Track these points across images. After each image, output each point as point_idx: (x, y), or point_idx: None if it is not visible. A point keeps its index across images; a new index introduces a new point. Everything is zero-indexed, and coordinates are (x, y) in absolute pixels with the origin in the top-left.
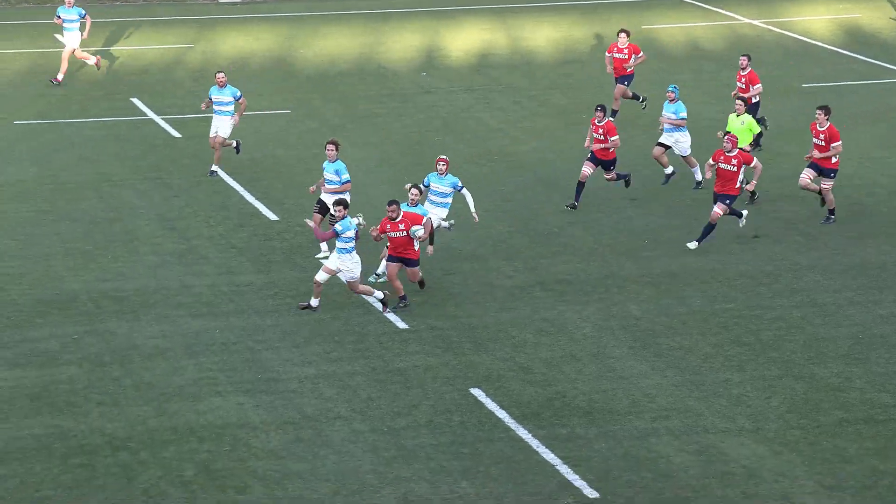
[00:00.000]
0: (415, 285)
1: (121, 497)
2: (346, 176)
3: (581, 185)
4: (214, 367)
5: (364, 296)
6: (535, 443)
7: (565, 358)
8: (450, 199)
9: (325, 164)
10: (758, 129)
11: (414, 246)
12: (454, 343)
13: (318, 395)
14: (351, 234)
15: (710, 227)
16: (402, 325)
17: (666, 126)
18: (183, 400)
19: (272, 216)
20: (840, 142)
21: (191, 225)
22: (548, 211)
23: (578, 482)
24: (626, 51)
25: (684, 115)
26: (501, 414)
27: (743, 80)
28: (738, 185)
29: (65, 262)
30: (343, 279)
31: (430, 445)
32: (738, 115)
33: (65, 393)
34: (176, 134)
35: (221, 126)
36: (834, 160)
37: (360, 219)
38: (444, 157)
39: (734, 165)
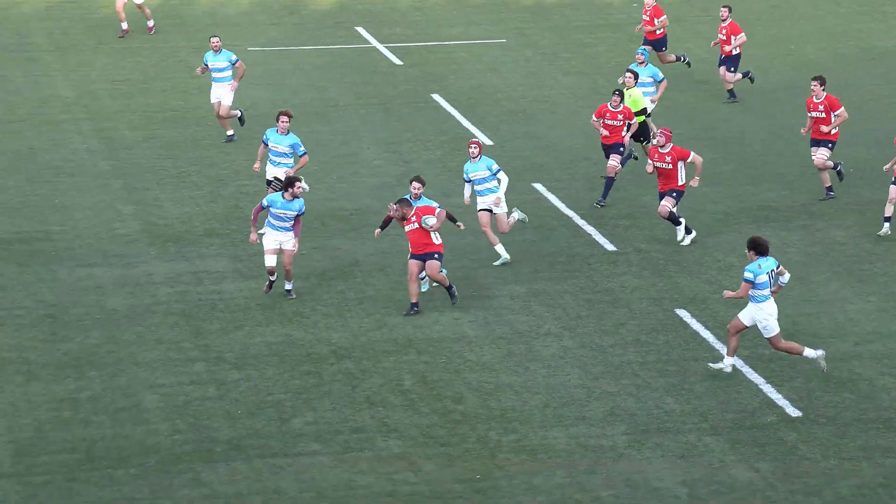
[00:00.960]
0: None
1: (345, 402)
2: (303, 149)
3: (611, 180)
4: (432, 284)
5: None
6: (738, 363)
7: None
8: (493, 184)
9: (274, 135)
10: (641, 105)
11: (433, 239)
12: (660, 265)
13: (528, 312)
14: (293, 213)
15: (674, 219)
16: (610, 247)
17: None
18: (402, 314)
19: (488, 141)
20: (843, 108)
21: (410, 149)
22: (754, 138)
23: (781, 401)
24: (648, 13)
25: (662, 76)
26: (706, 334)
27: (724, 31)
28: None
29: None
30: (287, 248)
31: (637, 363)
32: (627, 88)
33: (293, 304)
34: (398, 61)
35: (223, 94)
36: (834, 131)
37: (303, 183)
38: (476, 139)
39: (669, 163)
